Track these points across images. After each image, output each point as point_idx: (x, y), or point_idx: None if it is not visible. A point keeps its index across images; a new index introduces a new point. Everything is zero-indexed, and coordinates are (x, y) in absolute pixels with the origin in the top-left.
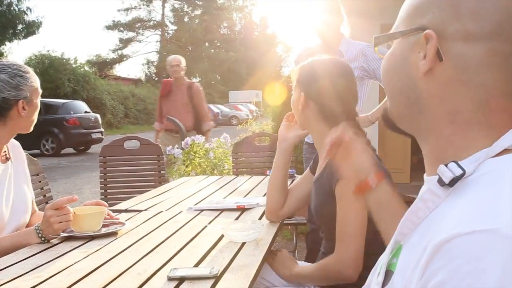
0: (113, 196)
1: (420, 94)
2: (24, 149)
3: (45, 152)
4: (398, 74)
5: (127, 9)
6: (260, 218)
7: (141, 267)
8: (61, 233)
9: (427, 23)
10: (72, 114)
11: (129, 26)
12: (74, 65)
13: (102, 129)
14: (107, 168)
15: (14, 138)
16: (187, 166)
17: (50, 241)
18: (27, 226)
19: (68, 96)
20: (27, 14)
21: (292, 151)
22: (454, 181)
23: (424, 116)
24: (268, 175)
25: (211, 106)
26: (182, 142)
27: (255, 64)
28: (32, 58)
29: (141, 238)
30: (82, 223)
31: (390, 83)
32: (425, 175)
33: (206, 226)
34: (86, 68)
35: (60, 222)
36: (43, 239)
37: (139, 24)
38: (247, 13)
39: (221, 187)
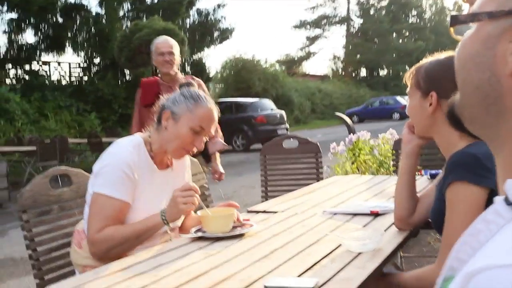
0: (273, 193)
1: (502, 93)
2: None
3: (236, 148)
4: (478, 65)
5: (313, 7)
6: (390, 226)
7: (246, 273)
8: (194, 233)
9: None
10: (259, 112)
11: (316, 23)
12: (264, 66)
13: (287, 125)
14: (267, 167)
15: None
16: (352, 163)
17: (172, 234)
18: (181, 228)
19: (259, 95)
20: (221, 22)
21: (419, 153)
22: None
23: (503, 120)
24: (423, 175)
25: (398, 98)
26: (346, 139)
27: None
28: (227, 61)
29: (262, 242)
30: (212, 224)
31: (465, 76)
32: (496, 197)
33: (326, 235)
34: (276, 67)
35: (185, 203)
36: (165, 221)
37: (325, 20)
38: None
39: (368, 188)
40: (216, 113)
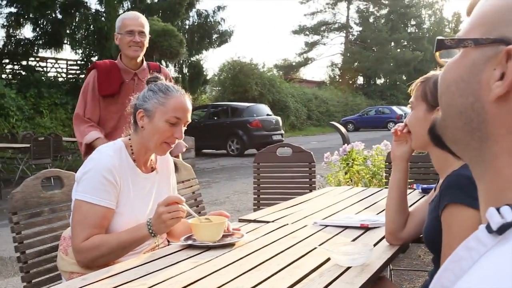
0: (265, 202)
1: (486, 119)
2: (212, 149)
3: (231, 152)
4: (462, 90)
5: (313, 13)
6: (380, 240)
7: (235, 285)
8: (183, 241)
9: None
10: (255, 117)
11: (315, 29)
12: (261, 70)
13: (282, 131)
14: (261, 174)
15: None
16: (346, 173)
17: (163, 241)
18: (169, 234)
19: (255, 99)
20: (221, 25)
21: (407, 167)
22: (503, 228)
23: (486, 145)
24: (415, 189)
25: (394, 107)
26: (340, 149)
27: None
28: (225, 64)
29: (252, 252)
30: (202, 232)
31: (448, 99)
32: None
33: (315, 248)
34: (274, 72)
35: (172, 218)
36: (152, 233)
37: (324, 27)
38: (437, 9)
39: (360, 200)
40: (188, 100)
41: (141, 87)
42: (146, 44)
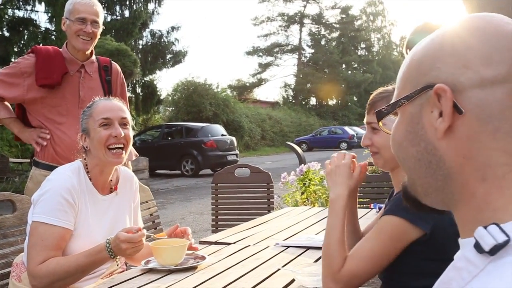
0: (224, 222)
1: (441, 156)
2: (167, 169)
3: (185, 172)
4: (413, 141)
5: (266, 35)
6: None
7: None
8: (143, 265)
9: (433, 79)
10: (209, 137)
11: (268, 51)
12: (215, 90)
13: (237, 151)
14: (219, 195)
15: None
16: (302, 193)
17: (130, 266)
18: (129, 257)
19: (209, 119)
20: (175, 45)
21: (347, 196)
22: (495, 249)
23: (451, 180)
24: (372, 208)
25: (346, 128)
26: (297, 169)
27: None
28: (179, 84)
29: (215, 275)
30: (164, 255)
31: (405, 154)
32: (459, 239)
33: (279, 269)
34: (228, 92)
35: (134, 251)
36: (112, 256)
37: (277, 48)
38: (385, 33)
39: (319, 220)
40: (117, 101)
41: (88, 82)
42: (98, 36)
